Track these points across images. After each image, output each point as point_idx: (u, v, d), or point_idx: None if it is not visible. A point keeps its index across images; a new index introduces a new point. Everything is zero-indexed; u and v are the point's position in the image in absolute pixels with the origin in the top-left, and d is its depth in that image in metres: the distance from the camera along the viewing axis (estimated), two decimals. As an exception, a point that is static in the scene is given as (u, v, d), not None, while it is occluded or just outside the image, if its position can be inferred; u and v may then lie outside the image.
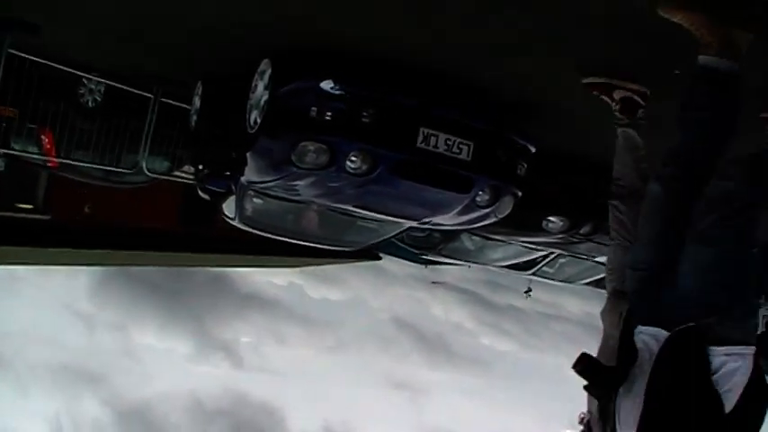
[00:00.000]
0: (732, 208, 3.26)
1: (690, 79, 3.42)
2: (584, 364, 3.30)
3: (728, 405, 3.07)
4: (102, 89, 10.52)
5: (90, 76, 10.16)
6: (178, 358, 37.91)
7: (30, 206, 14.47)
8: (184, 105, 9.57)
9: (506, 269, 11.54)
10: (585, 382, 3.35)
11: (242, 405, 38.88)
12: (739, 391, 3.09)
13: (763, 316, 12.58)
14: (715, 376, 3.08)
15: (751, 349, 3.19)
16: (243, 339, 42.19)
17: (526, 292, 26.58)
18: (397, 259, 16.43)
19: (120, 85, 10.03)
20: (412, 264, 16.10)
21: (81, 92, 10.58)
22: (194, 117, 8.68)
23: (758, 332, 10.20)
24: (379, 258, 19.39)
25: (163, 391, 35.33)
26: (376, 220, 7.52)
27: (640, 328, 3.34)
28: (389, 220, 7.24)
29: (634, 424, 3.15)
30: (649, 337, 3.26)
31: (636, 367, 3.21)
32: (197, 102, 8.61)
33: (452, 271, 26.49)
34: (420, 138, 5.76)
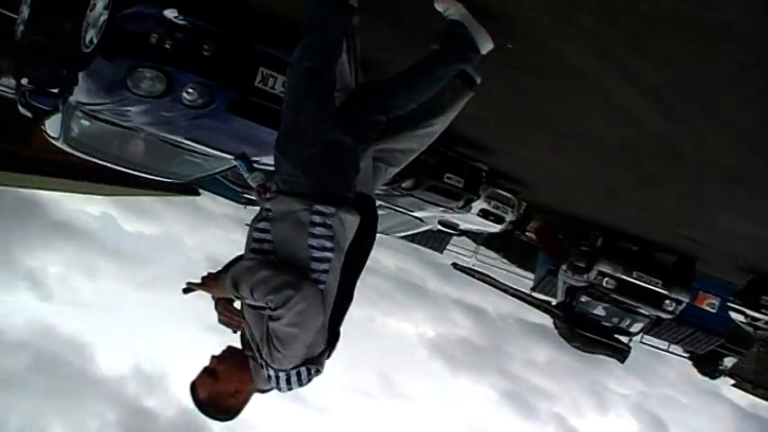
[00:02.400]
0: None
1: None
2: None
3: None
4: None
5: None
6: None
7: None
8: (9, 13, 9.14)
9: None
10: None
11: (48, 338, 37.65)
12: None
13: (564, 282, 13.42)
14: None
15: None
16: (51, 269, 40.70)
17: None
18: (214, 197, 16.28)
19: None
20: (229, 203, 16.01)
21: None
22: (21, 27, 8.28)
23: (558, 300, 10.91)
24: (198, 194, 19.11)
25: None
26: (204, 154, 7.50)
27: None
28: (219, 156, 7.26)
29: None
30: None
31: None
32: (25, 11, 8.24)
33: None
34: (258, 77, 5.86)
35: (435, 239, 18.99)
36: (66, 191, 19.91)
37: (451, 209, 9.70)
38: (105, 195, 23.05)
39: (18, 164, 15.23)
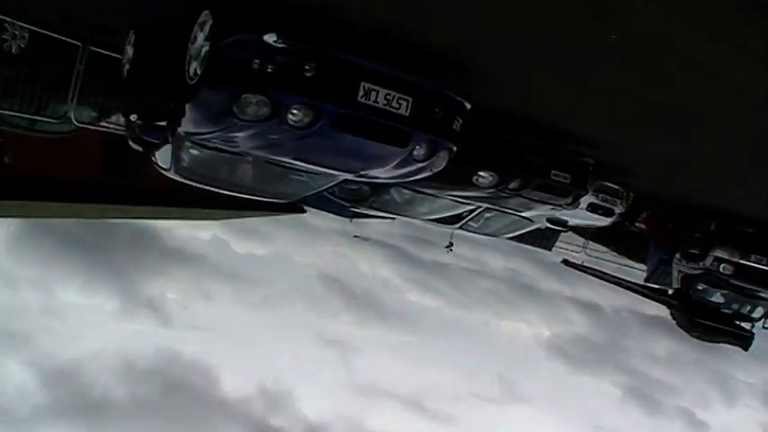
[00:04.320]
0: None
1: None
2: None
3: None
4: (27, 35, 10.30)
5: (12, 21, 9.93)
6: (104, 316, 37.32)
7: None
8: (115, 54, 9.46)
9: (433, 223, 11.73)
10: None
11: (173, 364, 38.57)
12: None
13: (678, 271, 13.12)
14: None
15: None
16: (169, 295, 41.80)
17: (447, 247, 26.91)
18: (320, 213, 16.49)
19: (45, 32, 9.85)
20: (335, 218, 16.19)
21: (4, 37, 10.32)
22: (126, 66, 8.58)
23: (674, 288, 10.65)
24: (304, 211, 19.40)
25: (90, 350, 34.75)
26: (311, 173, 7.58)
27: None
28: (325, 173, 7.33)
29: None
30: None
31: None
32: (129, 51, 8.51)
33: (375, 226, 26.73)
34: (361, 92, 5.87)
35: (543, 237, 18.79)
36: (178, 218, 20.51)
37: (560, 206, 9.57)
38: (215, 220, 23.61)
39: (132, 197, 15.77)
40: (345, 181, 7.95)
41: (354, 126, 5.96)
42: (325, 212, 15.60)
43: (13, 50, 10.40)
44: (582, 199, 10.28)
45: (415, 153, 6.49)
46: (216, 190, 8.17)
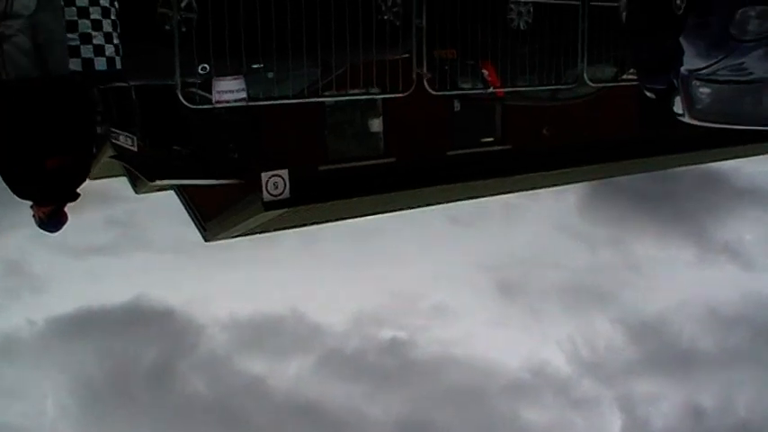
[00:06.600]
0: None
1: None
2: None
3: None
4: (531, 9, 10.37)
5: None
6: (681, 266, 37.09)
7: (491, 139, 14.82)
8: (614, 4, 9.06)
9: None
10: None
11: (761, 308, 37.15)
12: None
13: None
14: None
15: None
16: (747, 237, 40.14)
17: None
18: None
19: (546, 1, 9.89)
20: None
21: (510, 17, 10.52)
22: (624, 13, 8.09)
23: None
24: None
25: (672, 302, 34.73)
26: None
27: None
28: None
29: None
30: None
31: None
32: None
33: None
34: None
35: None
36: (736, 158, 19.31)
37: None
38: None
39: (678, 143, 15.24)
40: None
41: None
42: None
43: (522, 27, 10.55)
44: None
45: None
46: (743, 128, 7.28)
